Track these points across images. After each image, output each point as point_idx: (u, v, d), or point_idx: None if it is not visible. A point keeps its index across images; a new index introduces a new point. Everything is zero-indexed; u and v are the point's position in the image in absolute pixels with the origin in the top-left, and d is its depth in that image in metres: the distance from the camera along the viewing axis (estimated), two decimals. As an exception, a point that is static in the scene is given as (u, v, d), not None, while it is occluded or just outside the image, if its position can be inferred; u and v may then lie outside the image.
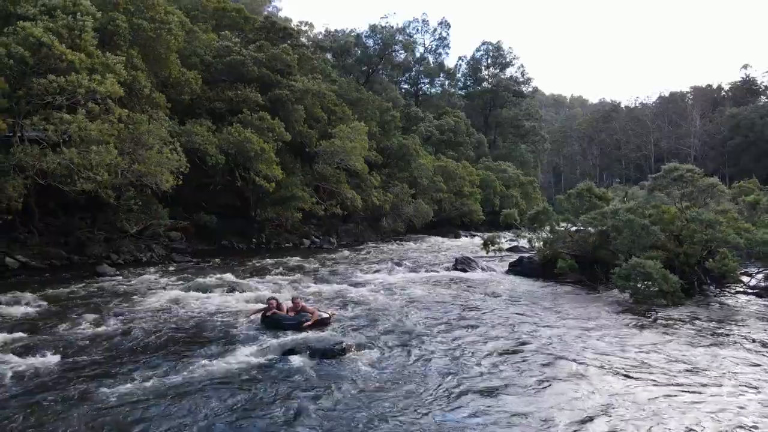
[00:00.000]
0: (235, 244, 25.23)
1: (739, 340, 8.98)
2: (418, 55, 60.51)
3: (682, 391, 6.25)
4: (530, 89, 68.72)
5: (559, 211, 20.09)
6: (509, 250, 24.20)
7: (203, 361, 6.92)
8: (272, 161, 21.54)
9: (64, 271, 16.12)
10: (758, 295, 13.55)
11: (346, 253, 24.47)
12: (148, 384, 6.12)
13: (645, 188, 18.43)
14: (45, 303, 10.76)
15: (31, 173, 13.34)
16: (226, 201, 25.34)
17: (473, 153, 49.17)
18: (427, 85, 62.93)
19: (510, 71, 66.22)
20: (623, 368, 7.15)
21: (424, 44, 61.54)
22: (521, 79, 66.13)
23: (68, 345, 7.77)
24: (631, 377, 6.76)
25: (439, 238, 34.34)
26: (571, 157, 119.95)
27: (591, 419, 5.44)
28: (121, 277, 14.60)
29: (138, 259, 19.38)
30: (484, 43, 66.29)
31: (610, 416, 5.51)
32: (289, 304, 9.61)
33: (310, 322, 8.96)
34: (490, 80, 66.29)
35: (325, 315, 9.53)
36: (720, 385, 6.51)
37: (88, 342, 7.99)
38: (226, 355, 7.25)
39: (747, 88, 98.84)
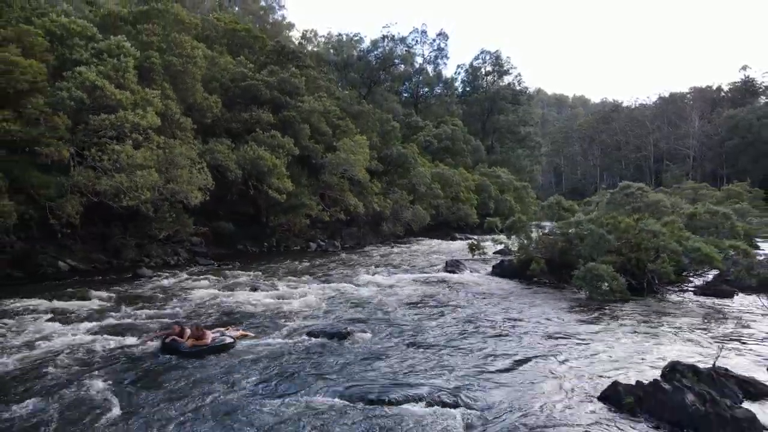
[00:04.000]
0: (248, 247, 27.83)
1: (661, 326, 11.52)
2: (417, 65, 63.43)
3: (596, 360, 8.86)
4: (526, 97, 71.28)
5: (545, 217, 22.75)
6: (497, 252, 26.73)
7: (249, 343, 9.64)
8: (283, 175, 24.25)
9: (107, 274, 18.78)
10: (695, 293, 16.10)
11: (349, 255, 27.07)
12: (202, 357, 8.85)
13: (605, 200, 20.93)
14: (107, 299, 13.48)
15: (86, 193, 16.09)
16: (241, 209, 28.06)
17: (470, 159, 51.77)
18: (427, 94, 65.73)
19: (507, 79, 69.00)
20: (557, 346, 9.78)
21: (423, 55, 64.65)
22: (518, 87, 68.79)
23: (141, 330, 10.48)
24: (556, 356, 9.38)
25: (436, 241, 36.92)
26: (572, 158, 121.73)
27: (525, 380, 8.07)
28: (158, 278, 17.28)
29: (167, 262, 22.00)
30: (482, 52, 69.24)
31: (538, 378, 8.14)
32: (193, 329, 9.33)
33: (191, 347, 8.92)
34: (487, 88, 68.94)
35: (228, 339, 9.35)
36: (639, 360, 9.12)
37: (154, 327, 10.72)
38: (266, 336, 10.05)
39: (746, 89, 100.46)
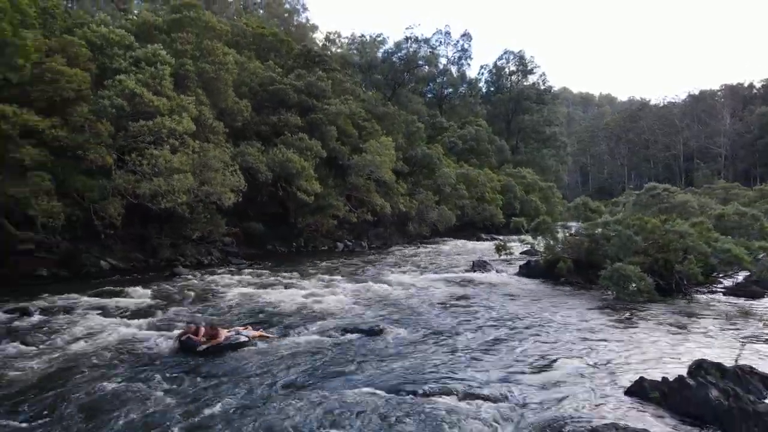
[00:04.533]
0: (277, 247, 28.44)
1: (689, 326, 11.63)
2: (441, 66, 63.72)
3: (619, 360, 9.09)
4: (551, 96, 70.93)
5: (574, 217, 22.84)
6: (524, 252, 26.84)
7: (287, 338, 10.14)
8: (311, 177, 24.82)
9: (145, 272, 19.54)
10: (724, 294, 16.06)
11: (376, 255, 27.51)
12: (246, 353, 9.32)
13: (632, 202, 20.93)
14: (147, 297, 14.14)
15: (126, 195, 16.85)
16: (270, 210, 28.74)
17: (495, 160, 51.88)
18: (451, 95, 65.97)
19: (532, 78, 68.87)
20: (580, 346, 10.01)
21: (447, 56, 64.94)
22: (542, 87, 68.56)
23: (177, 327, 10.98)
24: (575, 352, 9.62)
25: (462, 241, 37.15)
26: (599, 157, 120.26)
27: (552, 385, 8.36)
28: (194, 277, 17.93)
29: (200, 262, 22.67)
30: (506, 52, 69.29)
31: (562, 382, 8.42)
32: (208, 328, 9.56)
33: (205, 345, 9.05)
34: (511, 88, 68.86)
35: (243, 338, 9.50)
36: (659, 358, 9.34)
37: (203, 321, 11.18)
38: (302, 333, 10.53)
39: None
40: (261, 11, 74.64)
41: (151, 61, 17.91)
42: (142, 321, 11.36)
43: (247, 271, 20.05)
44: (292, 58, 33.44)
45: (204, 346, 9.06)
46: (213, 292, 15.05)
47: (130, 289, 14.90)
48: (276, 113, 27.35)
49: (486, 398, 7.09)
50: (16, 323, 11.14)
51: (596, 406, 6.92)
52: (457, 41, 65.58)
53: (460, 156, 48.01)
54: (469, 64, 71.68)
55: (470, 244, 35.36)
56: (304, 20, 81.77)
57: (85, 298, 13.63)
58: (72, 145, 15.62)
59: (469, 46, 66.06)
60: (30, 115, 14.73)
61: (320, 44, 71.66)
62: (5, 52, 13.52)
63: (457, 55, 65.65)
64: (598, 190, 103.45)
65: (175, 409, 6.79)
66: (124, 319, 11.55)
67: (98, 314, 11.96)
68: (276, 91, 27.45)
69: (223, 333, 9.40)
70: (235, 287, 15.67)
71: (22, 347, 9.40)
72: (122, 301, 13.42)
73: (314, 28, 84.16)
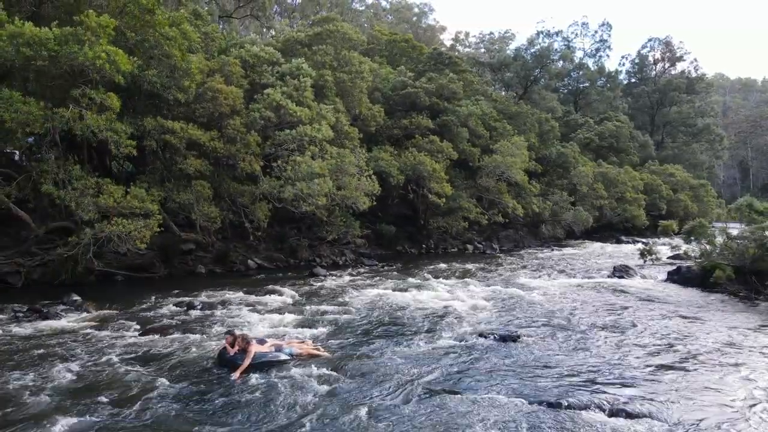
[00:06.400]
0: (407, 249, 28.94)
1: None
2: (576, 60, 60.28)
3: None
4: (704, 84, 63.81)
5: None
6: (671, 258, 24.64)
7: (422, 339, 10.32)
8: (442, 179, 24.91)
9: (286, 271, 20.91)
10: None
11: (508, 258, 26.87)
12: (381, 354, 9.57)
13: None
14: (292, 296, 15.15)
15: (271, 200, 18.23)
16: (399, 211, 29.36)
17: (637, 157, 48.06)
18: (588, 89, 62.20)
19: (681, 66, 62.52)
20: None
21: (583, 48, 61.25)
22: (694, 75, 61.92)
23: (332, 321, 11.77)
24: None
25: (599, 244, 35.02)
26: (762, 150, 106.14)
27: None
28: (331, 278, 18.87)
29: (335, 262, 23.80)
30: (650, 39, 63.65)
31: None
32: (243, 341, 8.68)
33: (238, 370, 8.14)
34: (656, 78, 63.13)
35: (283, 357, 8.72)
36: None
37: (342, 321, 11.96)
38: (437, 335, 10.63)
39: None
40: (389, 17, 76.67)
41: (294, 74, 19.25)
42: (286, 318, 12.20)
43: (379, 272, 20.67)
44: (423, 61, 33.91)
45: (241, 362, 8.28)
46: (349, 292, 15.68)
47: (276, 287, 16.08)
48: (407, 116, 27.90)
49: (637, 416, 6.61)
50: (183, 316, 12.54)
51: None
52: (595, 32, 61.70)
53: (597, 153, 45.21)
54: (608, 56, 66.92)
55: (609, 248, 33.28)
56: (432, 22, 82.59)
57: (240, 294, 14.98)
58: (226, 155, 17.31)
59: (609, 36, 61.69)
60: (194, 129, 16.60)
61: (448, 45, 71.75)
62: (175, 75, 15.41)
63: (594, 46, 61.67)
64: (762, 188, 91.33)
65: (312, 409, 7.01)
66: (272, 315, 12.53)
67: (249, 310, 13.07)
68: (407, 95, 28.01)
69: (253, 349, 8.45)
70: (369, 288, 16.21)
71: (188, 336, 10.54)
72: (270, 299, 14.54)
73: (442, 29, 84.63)
